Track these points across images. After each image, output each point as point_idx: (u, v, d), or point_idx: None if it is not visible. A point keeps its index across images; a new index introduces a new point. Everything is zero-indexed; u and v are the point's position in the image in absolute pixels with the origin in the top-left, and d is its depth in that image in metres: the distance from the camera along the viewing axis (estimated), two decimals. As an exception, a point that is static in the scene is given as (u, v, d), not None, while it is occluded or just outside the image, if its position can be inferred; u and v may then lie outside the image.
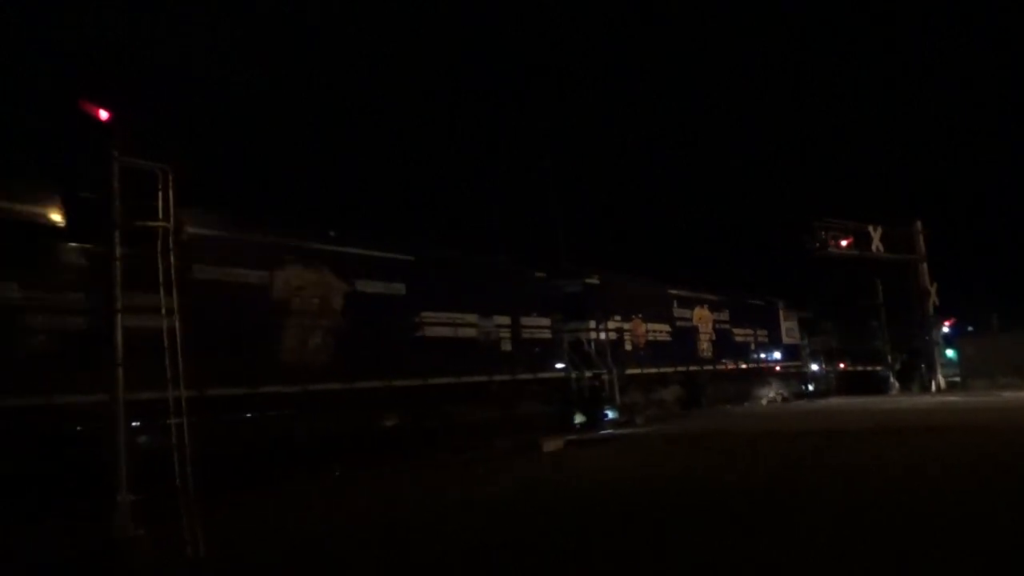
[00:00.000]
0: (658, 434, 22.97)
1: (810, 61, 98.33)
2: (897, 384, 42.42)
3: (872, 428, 21.27)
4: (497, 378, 22.11)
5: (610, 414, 26.97)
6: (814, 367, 44.24)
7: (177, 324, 10.25)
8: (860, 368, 45.90)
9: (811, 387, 43.43)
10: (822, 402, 37.03)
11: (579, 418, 25.93)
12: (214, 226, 15.78)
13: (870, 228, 41.25)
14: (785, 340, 41.45)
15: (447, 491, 13.91)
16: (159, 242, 10.45)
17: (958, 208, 73.43)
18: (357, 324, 18.44)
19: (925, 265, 42.69)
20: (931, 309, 42.58)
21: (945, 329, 44.65)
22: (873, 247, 41.08)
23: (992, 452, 15.01)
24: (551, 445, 20.23)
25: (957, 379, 41.95)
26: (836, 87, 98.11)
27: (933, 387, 40.53)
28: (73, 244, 13.12)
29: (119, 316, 10.00)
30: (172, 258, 10.55)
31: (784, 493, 11.72)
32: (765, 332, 39.80)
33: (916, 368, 43.07)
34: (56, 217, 12.98)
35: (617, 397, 27.30)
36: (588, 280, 28.12)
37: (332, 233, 18.85)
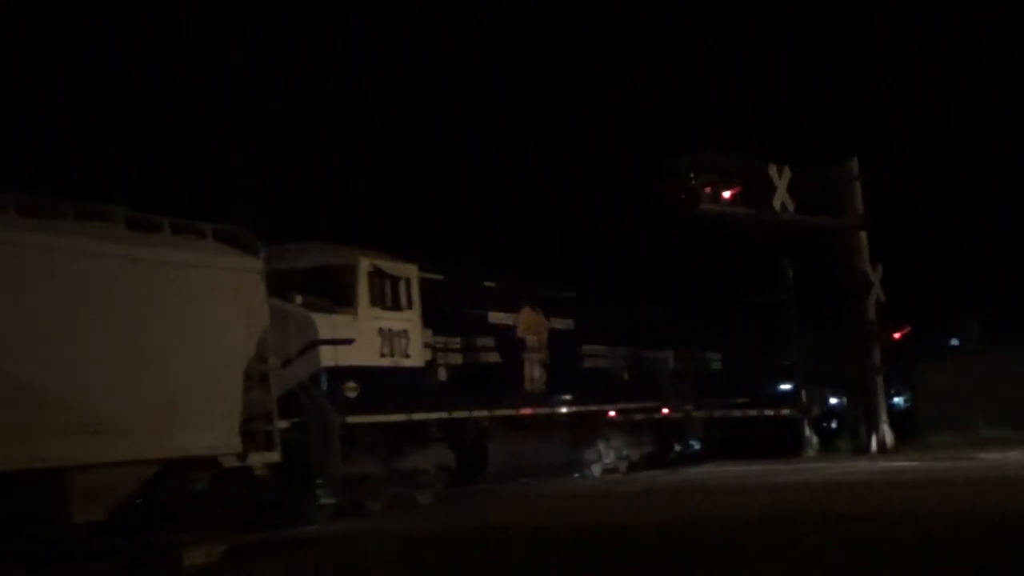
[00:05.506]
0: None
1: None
2: (815, 439, 28.77)
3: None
4: (634, 404, 26.47)
5: (696, 446, 30.15)
6: (833, 400, 34.91)
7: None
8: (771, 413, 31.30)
9: (834, 425, 33.02)
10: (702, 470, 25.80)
11: (677, 447, 29.63)
12: (492, 280, 20.36)
13: (772, 170, 24.89)
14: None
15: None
16: None
17: (917, 144, 41.62)
18: (555, 355, 22.74)
19: (864, 235, 26.99)
20: (872, 310, 26.97)
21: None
22: (776, 202, 24.85)
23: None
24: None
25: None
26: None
27: (873, 444, 26.17)
28: (447, 297, 17.54)
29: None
30: None
31: None
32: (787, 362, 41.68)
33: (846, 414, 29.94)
34: (440, 277, 17.39)
35: (700, 430, 30.86)
36: (663, 310, 32.09)
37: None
